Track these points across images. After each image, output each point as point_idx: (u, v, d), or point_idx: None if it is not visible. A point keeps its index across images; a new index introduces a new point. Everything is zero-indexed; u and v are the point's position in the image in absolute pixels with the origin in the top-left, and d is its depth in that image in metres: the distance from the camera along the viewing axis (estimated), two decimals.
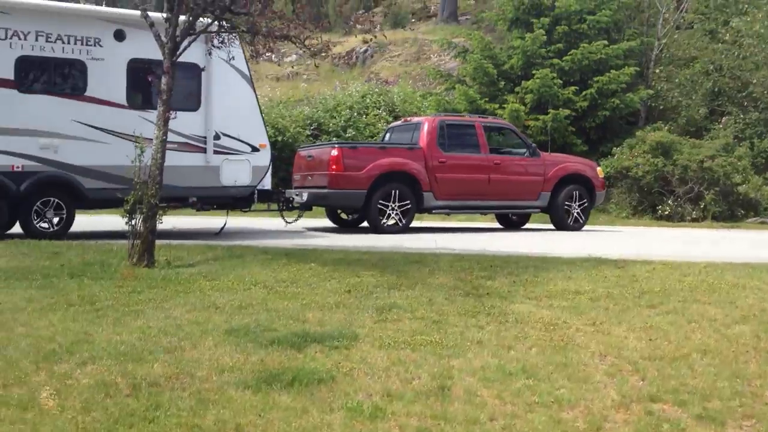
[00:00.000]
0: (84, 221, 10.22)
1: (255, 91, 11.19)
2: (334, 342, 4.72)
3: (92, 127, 9.86)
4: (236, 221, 12.86)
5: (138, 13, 8.31)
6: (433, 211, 12.39)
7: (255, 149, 10.93)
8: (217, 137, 10.64)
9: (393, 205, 11.65)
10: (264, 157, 11.02)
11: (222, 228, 11.04)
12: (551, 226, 13.31)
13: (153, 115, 8.09)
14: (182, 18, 7.83)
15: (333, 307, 5.67)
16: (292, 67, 25.58)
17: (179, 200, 10.48)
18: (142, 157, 7.42)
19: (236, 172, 10.77)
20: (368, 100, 21.27)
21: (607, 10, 19.61)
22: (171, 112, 7.90)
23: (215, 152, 10.64)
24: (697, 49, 20.95)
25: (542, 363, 4.52)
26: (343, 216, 13.31)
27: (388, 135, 13.79)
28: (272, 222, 13.10)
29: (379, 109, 20.87)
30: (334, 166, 11.37)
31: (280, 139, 18.25)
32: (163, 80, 7.73)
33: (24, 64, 9.58)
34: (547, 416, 3.83)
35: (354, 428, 3.60)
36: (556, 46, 19.31)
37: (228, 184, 10.74)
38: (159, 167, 7.54)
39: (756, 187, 17.24)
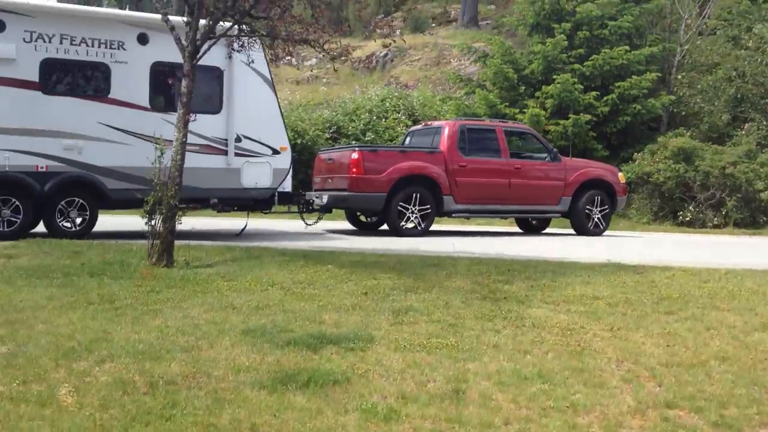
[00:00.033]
0: (104, 221, 10.31)
1: (276, 95, 11.27)
2: (350, 344, 4.74)
3: (115, 128, 9.98)
4: (256, 223, 12.93)
5: (160, 16, 8.40)
6: (453, 215, 12.38)
7: (276, 152, 11.00)
8: (238, 140, 10.73)
9: (413, 209, 11.66)
10: (284, 160, 11.09)
11: (243, 229, 11.13)
12: (572, 231, 13.23)
13: (175, 117, 8.17)
14: (203, 22, 7.90)
15: (349, 309, 5.69)
16: (312, 70, 25.68)
17: (200, 201, 10.58)
18: (162, 159, 7.50)
19: (257, 175, 10.85)
20: (388, 104, 21.28)
21: (628, 16, 19.48)
22: (191, 114, 7.97)
23: (236, 154, 10.72)
24: (719, 55, 20.74)
25: (558, 368, 4.50)
26: (363, 219, 13.34)
27: (408, 139, 13.80)
28: (292, 224, 13.15)
29: (399, 113, 20.88)
30: (354, 169, 11.40)
31: (299, 142, 18.32)
32: (184, 83, 7.80)
33: (48, 67, 9.71)
34: (562, 421, 3.81)
35: (368, 430, 3.61)
36: (577, 51, 19.22)
37: (249, 186, 10.82)
38: (179, 168, 7.61)
39: None
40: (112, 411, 3.65)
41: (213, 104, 10.63)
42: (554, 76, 18.59)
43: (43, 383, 3.97)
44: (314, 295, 6.13)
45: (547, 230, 14.07)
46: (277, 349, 4.60)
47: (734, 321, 5.63)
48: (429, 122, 14.33)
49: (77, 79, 10.00)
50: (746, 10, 21.60)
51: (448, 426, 3.71)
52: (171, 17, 8.15)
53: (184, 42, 7.78)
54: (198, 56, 7.84)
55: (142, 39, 10.16)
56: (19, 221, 9.43)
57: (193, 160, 9.91)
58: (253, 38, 8.58)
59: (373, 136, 19.81)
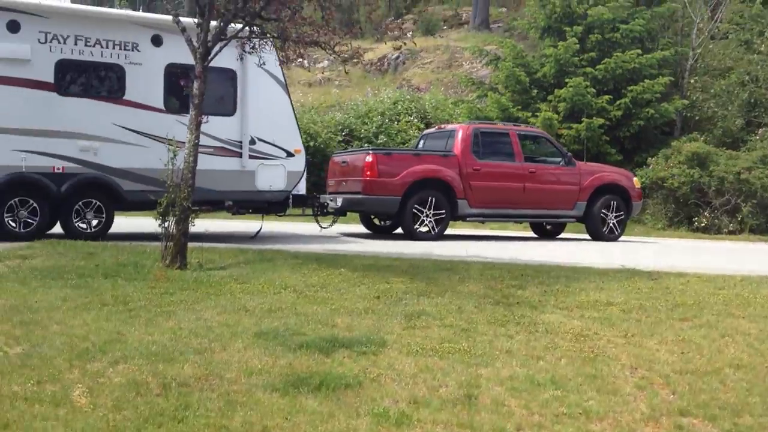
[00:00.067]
0: (118, 223, 10.37)
1: (290, 97, 11.30)
2: (362, 347, 4.73)
3: (130, 130, 10.03)
4: (271, 225, 12.97)
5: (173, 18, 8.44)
6: (468, 219, 12.35)
7: (290, 154, 11.03)
8: (252, 142, 10.76)
9: (428, 212, 11.64)
10: (299, 163, 11.11)
11: (258, 232, 11.17)
12: (587, 236, 13.18)
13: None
14: (213, 23, 7.93)
15: (362, 312, 5.69)
16: (323, 73, 25.70)
17: (215, 204, 10.63)
18: (175, 161, 7.52)
19: (271, 177, 10.88)
20: (400, 107, 21.30)
21: (640, 20, 19.41)
22: (203, 116, 8.00)
23: (251, 157, 10.76)
24: (732, 59, 20.62)
25: (571, 374, 4.48)
26: (377, 222, 13.34)
27: (422, 142, 13.80)
28: (307, 227, 13.17)
29: (411, 116, 20.89)
30: (368, 173, 11.40)
31: (311, 144, 18.37)
32: (195, 84, 7.83)
33: (63, 68, 9.78)
34: (574, 428, 3.80)
35: None
36: (589, 54, 19.16)
37: (263, 188, 10.85)
38: (191, 170, 7.63)
39: None
40: (125, 412, 3.67)
41: (227, 106, 10.68)
42: (566, 80, 18.54)
43: (57, 384, 3.99)
44: (327, 298, 6.14)
45: (563, 235, 14.03)
46: (289, 352, 4.61)
47: (749, 328, 5.59)
48: (443, 125, 14.32)
49: (92, 80, 10.07)
50: (758, 14, 21.44)
51: (460, 431, 3.70)
52: (182, 18, 8.18)
53: (195, 43, 7.81)
54: (209, 58, 7.87)
55: (156, 40, 10.21)
56: (35, 223, 9.50)
57: (207, 163, 9.97)
58: (264, 40, 8.61)
59: (385, 139, 19.83)
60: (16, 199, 9.41)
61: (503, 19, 32.29)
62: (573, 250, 10.80)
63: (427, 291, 6.48)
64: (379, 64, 28.94)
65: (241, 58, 9.41)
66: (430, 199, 11.60)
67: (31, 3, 9.58)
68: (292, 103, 11.34)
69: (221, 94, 10.58)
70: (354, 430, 3.62)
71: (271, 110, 10.86)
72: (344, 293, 6.34)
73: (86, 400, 3.80)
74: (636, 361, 4.78)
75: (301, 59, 9.07)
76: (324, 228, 12.03)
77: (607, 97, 18.55)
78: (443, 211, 11.70)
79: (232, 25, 8.10)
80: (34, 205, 9.49)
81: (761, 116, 19.51)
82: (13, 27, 9.45)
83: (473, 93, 22.31)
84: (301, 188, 11.29)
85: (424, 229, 11.68)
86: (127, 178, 9.98)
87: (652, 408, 4.09)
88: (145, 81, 10.14)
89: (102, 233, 9.82)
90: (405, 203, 11.50)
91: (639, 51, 19.00)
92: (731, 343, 5.22)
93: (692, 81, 20.32)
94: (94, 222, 9.87)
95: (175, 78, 10.25)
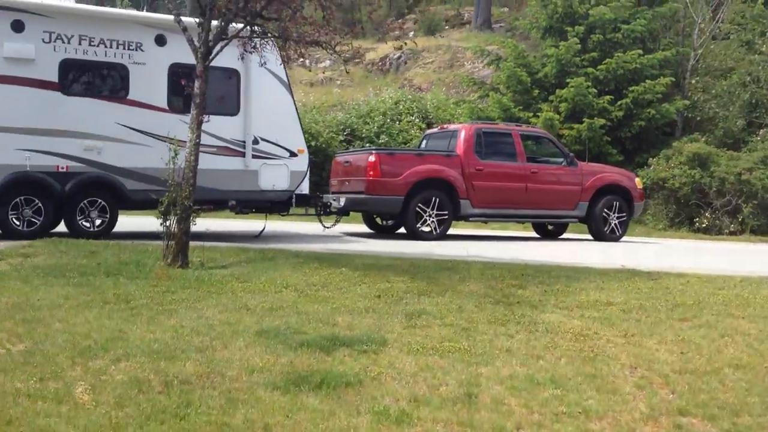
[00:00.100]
0: (120, 222, 10.39)
1: (293, 97, 11.32)
2: (363, 346, 4.75)
3: (134, 129, 10.06)
4: (274, 225, 12.98)
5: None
6: (470, 219, 12.36)
7: (293, 154, 11.06)
8: (255, 142, 10.78)
9: (431, 212, 11.66)
10: (302, 162, 11.14)
11: (261, 231, 11.20)
12: (588, 237, 13.19)
13: None
14: (215, 23, 7.95)
15: (363, 311, 5.71)
16: (323, 72, 25.71)
17: (218, 203, 10.66)
18: (176, 160, 7.55)
19: (274, 177, 10.91)
20: (401, 107, 21.32)
21: (641, 20, 19.42)
22: (204, 115, 8.02)
23: (254, 156, 10.78)
24: (733, 59, 20.61)
25: (571, 373, 4.50)
26: (379, 221, 13.36)
27: (424, 142, 13.81)
28: (310, 226, 13.20)
29: (412, 116, 20.91)
30: (371, 172, 11.43)
31: (313, 144, 18.38)
32: (196, 84, 7.85)
33: (67, 67, 9.81)
34: (574, 427, 3.82)
35: None
36: (590, 54, 19.16)
37: (266, 188, 10.87)
38: (192, 170, 7.66)
39: None
40: (127, 409, 3.69)
41: (230, 106, 10.70)
42: (568, 80, 18.55)
43: (60, 381, 4.01)
44: (328, 297, 6.16)
45: (564, 235, 14.04)
46: (290, 350, 4.63)
47: (749, 328, 5.60)
48: (445, 125, 14.33)
49: (96, 79, 10.11)
50: (760, 14, 21.45)
51: (460, 429, 3.72)
52: (184, 18, 8.21)
53: (196, 43, 7.83)
54: (210, 57, 7.89)
55: (160, 40, 10.24)
56: (39, 222, 9.53)
57: (211, 162, 10.01)
58: (265, 40, 8.63)
59: (386, 139, 19.84)
60: (21, 198, 9.44)
61: (505, 19, 32.28)
62: (574, 250, 10.82)
63: (428, 290, 6.50)
64: (380, 63, 28.95)
65: (242, 58, 9.44)
66: (433, 199, 11.62)
67: (35, 3, 9.61)
68: (295, 103, 11.37)
69: (225, 93, 10.60)
70: (354, 428, 3.64)
71: (274, 110, 10.88)
72: (345, 292, 6.36)
73: (88, 397, 3.82)
74: (635, 361, 4.79)
75: (302, 59, 9.08)
76: (327, 228, 12.06)
77: (608, 97, 18.56)
78: (446, 212, 11.72)
79: (234, 24, 8.12)
80: (39, 204, 9.52)
81: (762, 117, 19.51)
82: (18, 27, 9.49)
83: (475, 93, 22.33)
84: (304, 188, 11.31)
85: (426, 228, 11.69)
86: (131, 177, 10.01)
87: (652, 407, 4.10)
88: (149, 81, 10.17)
89: (106, 232, 9.85)
90: (408, 203, 11.52)
91: (640, 51, 19.00)
92: (731, 343, 5.24)
93: (693, 81, 20.32)
94: (98, 221, 9.90)
95: (179, 78, 10.26)
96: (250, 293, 6.22)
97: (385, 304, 5.97)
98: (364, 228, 13.53)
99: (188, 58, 8.83)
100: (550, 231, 13.99)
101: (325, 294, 6.27)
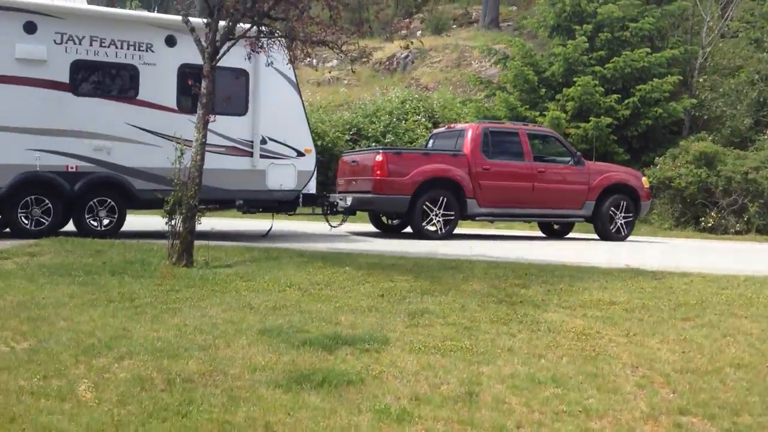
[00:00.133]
0: (126, 221, 10.45)
1: (301, 97, 11.36)
2: (365, 345, 4.78)
3: (144, 130, 10.12)
4: (281, 224, 13.02)
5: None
6: (477, 219, 12.36)
7: (300, 154, 11.09)
8: (263, 141, 10.82)
9: (437, 211, 11.66)
10: (309, 162, 11.17)
11: (268, 231, 11.24)
12: (594, 236, 13.17)
13: None
14: (222, 23, 7.98)
15: (365, 310, 5.73)
16: (329, 72, 25.70)
17: (226, 202, 10.71)
18: (182, 159, 7.59)
19: (282, 176, 10.94)
20: (408, 106, 21.31)
21: (650, 18, 19.35)
22: (211, 115, 8.06)
23: (262, 156, 10.82)
24: (742, 58, 20.52)
25: (573, 372, 4.51)
26: (385, 221, 13.37)
27: (431, 141, 13.82)
28: (317, 226, 13.23)
29: (419, 115, 20.91)
30: (378, 172, 11.44)
31: (319, 143, 18.40)
32: (203, 84, 7.89)
33: (78, 68, 9.88)
34: (574, 425, 3.82)
35: (381, 430, 3.65)
36: (598, 53, 19.12)
37: (274, 187, 10.91)
38: (198, 169, 7.70)
39: None
40: (129, 407, 3.72)
41: (239, 106, 10.73)
42: (575, 79, 18.52)
43: (63, 379, 4.05)
44: (331, 296, 6.18)
45: (570, 235, 14.02)
46: (292, 349, 4.66)
47: (751, 328, 5.60)
48: (452, 125, 14.33)
49: (106, 80, 10.18)
50: None
51: (461, 428, 3.73)
52: (191, 18, 8.24)
53: (203, 43, 7.87)
54: (217, 57, 7.92)
55: (170, 41, 10.29)
56: (48, 222, 9.59)
57: (219, 162, 10.06)
58: (273, 39, 8.67)
59: (393, 138, 19.85)
60: (31, 198, 9.51)
61: (513, 17, 32.22)
62: (580, 250, 10.80)
63: (431, 289, 6.52)
64: (387, 63, 28.95)
65: (249, 58, 9.48)
66: (440, 198, 11.62)
67: (47, 4, 9.68)
68: (303, 103, 11.40)
69: (233, 93, 10.65)
70: (356, 427, 3.66)
71: (282, 110, 10.92)
72: (348, 291, 6.38)
73: (91, 394, 3.86)
74: (637, 360, 4.80)
75: (308, 59, 9.10)
76: (334, 227, 12.09)
77: (615, 96, 18.51)
78: (452, 211, 11.72)
79: (241, 24, 8.15)
80: (48, 203, 9.58)
81: None
82: (30, 28, 9.56)
83: (481, 92, 22.31)
84: (311, 187, 11.35)
85: (431, 228, 11.70)
86: (140, 177, 10.07)
87: (652, 407, 4.11)
88: (159, 81, 10.23)
89: (114, 231, 9.92)
90: (414, 202, 11.53)
91: (648, 50, 18.95)
92: (733, 343, 5.23)
93: (701, 80, 20.25)
94: (106, 220, 9.96)
95: (188, 78, 10.29)
96: (253, 292, 6.26)
97: (388, 303, 5.99)
98: (370, 227, 13.54)
99: (198, 58, 8.89)
100: (555, 230, 13.97)
101: (328, 293, 6.30)
